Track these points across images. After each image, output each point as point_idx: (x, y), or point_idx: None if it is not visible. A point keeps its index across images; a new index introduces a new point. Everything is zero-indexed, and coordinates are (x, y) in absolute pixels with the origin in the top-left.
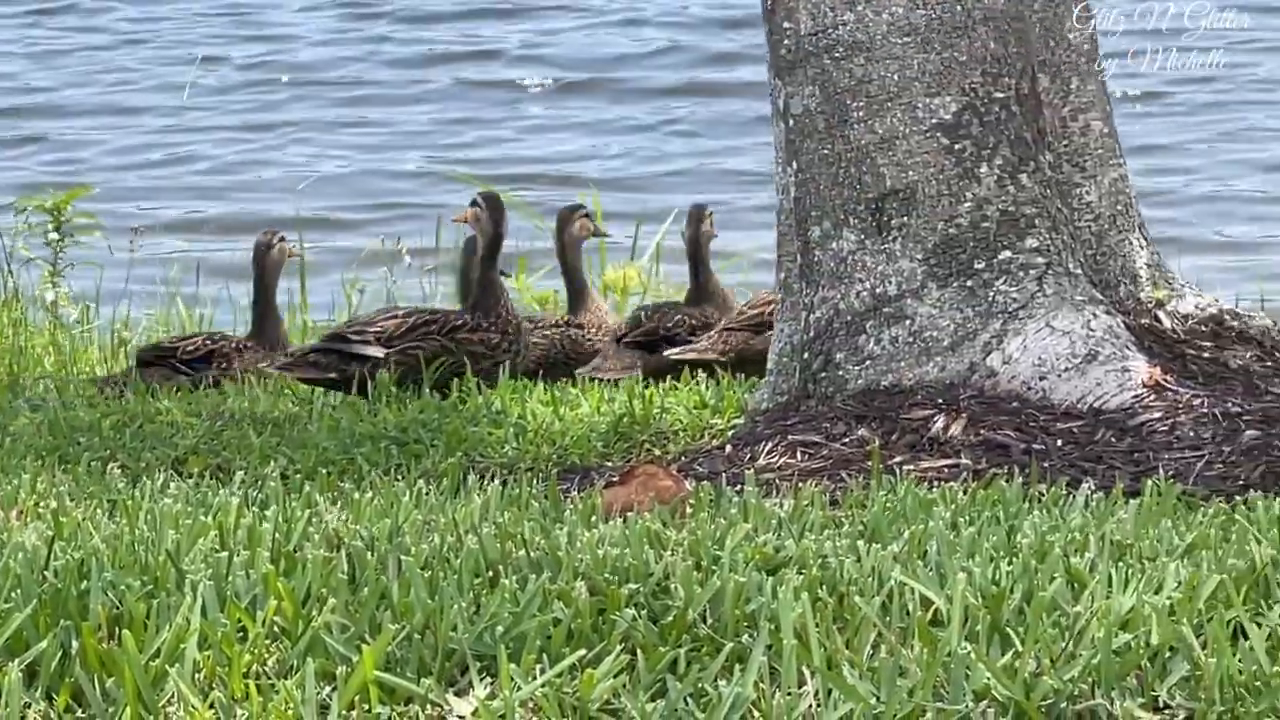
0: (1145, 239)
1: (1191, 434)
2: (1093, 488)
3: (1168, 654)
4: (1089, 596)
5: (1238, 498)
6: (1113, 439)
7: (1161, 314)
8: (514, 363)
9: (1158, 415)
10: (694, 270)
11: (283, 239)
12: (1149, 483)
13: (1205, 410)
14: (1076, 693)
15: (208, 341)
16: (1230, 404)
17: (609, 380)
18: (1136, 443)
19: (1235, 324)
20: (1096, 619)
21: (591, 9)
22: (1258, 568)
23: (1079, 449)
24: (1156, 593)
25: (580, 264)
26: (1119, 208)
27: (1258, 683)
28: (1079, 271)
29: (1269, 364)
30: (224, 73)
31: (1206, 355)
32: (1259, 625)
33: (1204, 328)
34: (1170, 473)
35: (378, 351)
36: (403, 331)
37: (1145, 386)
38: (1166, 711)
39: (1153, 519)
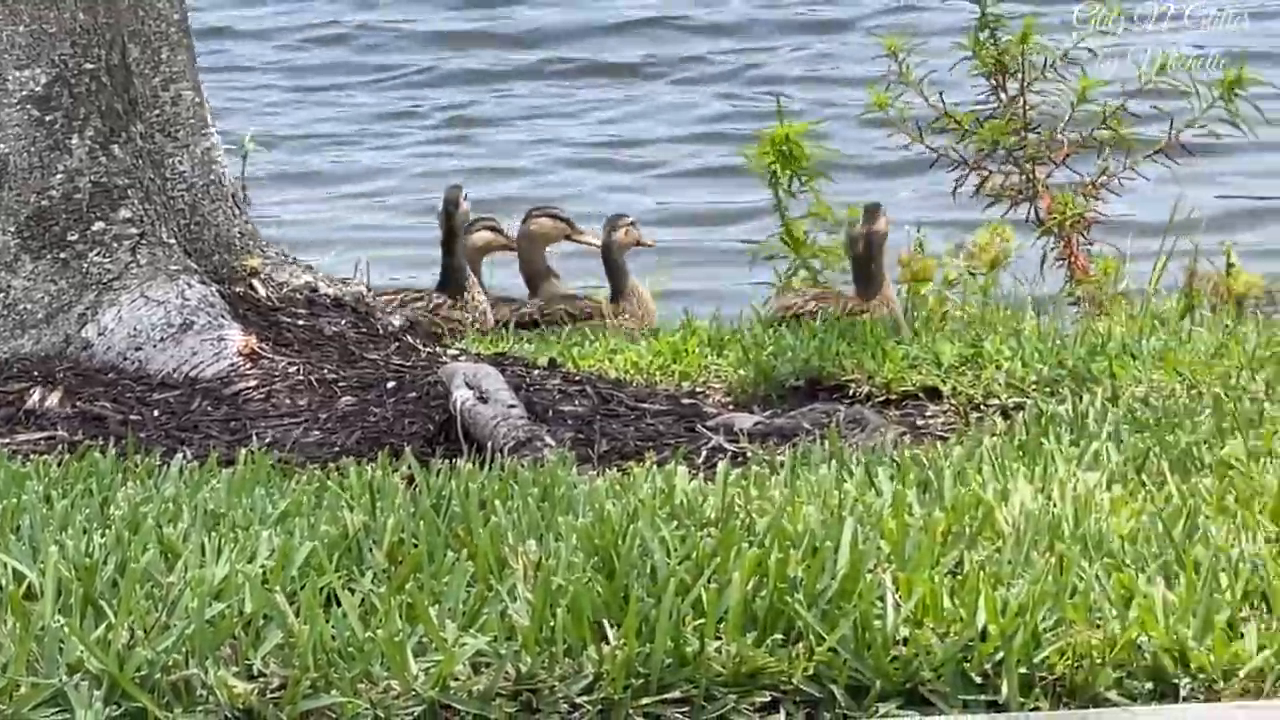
0: (239, 208)
1: (288, 401)
2: (188, 457)
3: (261, 622)
4: (183, 566)
5: (333, 464)
6: (209, 408)
7: (256, 282)
8: None
9: (254, 383)
10: None
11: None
12: (244, 451)
13: (301, 377)
14: (170, 663)
15: None
16: (326, 370)
17: None
18: (233, 411)
19: (330, 291)
20: (190, 589)
21: None
22: (350, 534)
23: (175, 419)
24: (250, 561)
25: None
26: (211, 177)
27: (350, 648)
28: (173, 241)
29: (363, 330)
30: None
31: (302, 323)
32: (351, 592)
33: (299, 295)
34: (267, 441)
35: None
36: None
37: (241, 355)
38: (261, 679)
39: (246, 487)
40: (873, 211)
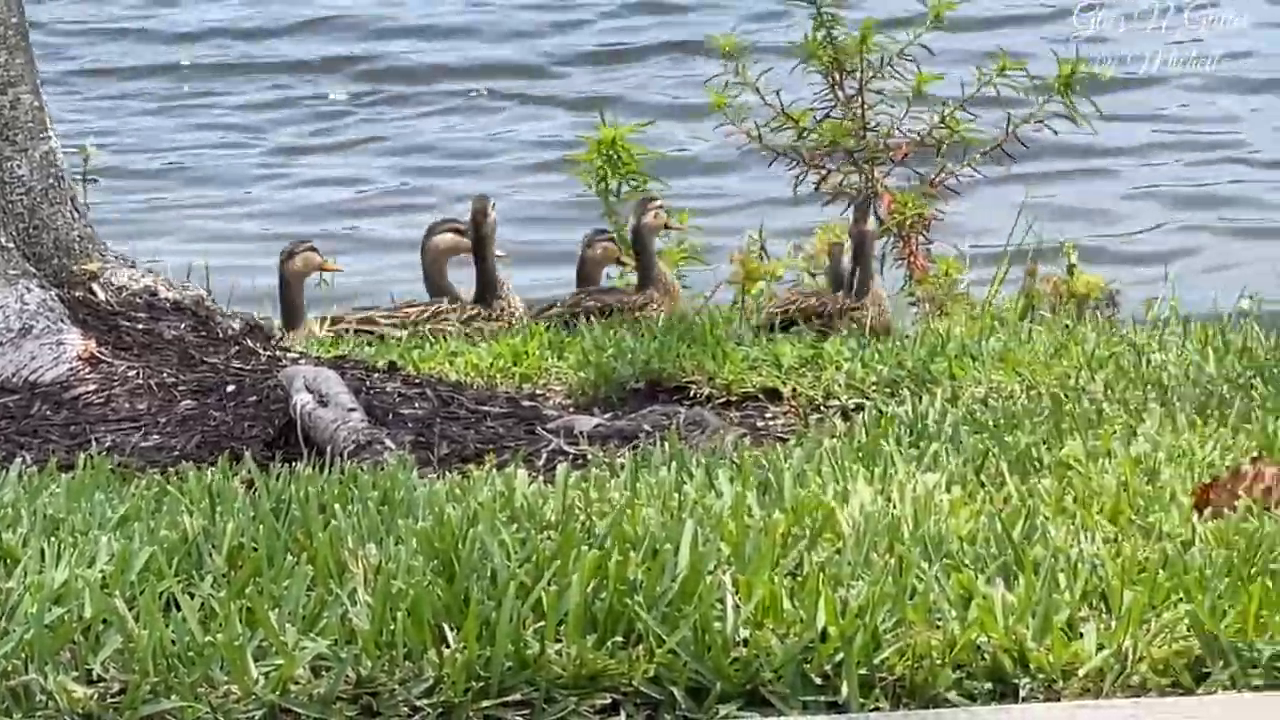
0: (79, 212)
1: (127, 406)
2: (27, 462)
3: (101, 627)
4: (22, 571)
5: (172, 469)
6: (49, 412)
7: (96, 286)
8: None
9: (93, 388)
10: None
11: (311, 248)
12: (83, 455)
13: (141, 381)
14: (9, 668)
15: None
16: (165, 374)
17: None
18: (72, 415)
19: (170, 295)
20: (29, 594)
21: None
22: (189, 538)
23: (14, 423)
24: (89, 566)
25: None
26: (50, 181)
27: (190, 652)
28: (12, 245)
29: (203, 334)
30: None
31: (141, 327)
32: (191, 596)
33: (139, 299)
34: (106, 445)
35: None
36: (425, 318)
37: (80, 359)
38: (101, 684)
39: (86, 492)
40: (862, 210)
